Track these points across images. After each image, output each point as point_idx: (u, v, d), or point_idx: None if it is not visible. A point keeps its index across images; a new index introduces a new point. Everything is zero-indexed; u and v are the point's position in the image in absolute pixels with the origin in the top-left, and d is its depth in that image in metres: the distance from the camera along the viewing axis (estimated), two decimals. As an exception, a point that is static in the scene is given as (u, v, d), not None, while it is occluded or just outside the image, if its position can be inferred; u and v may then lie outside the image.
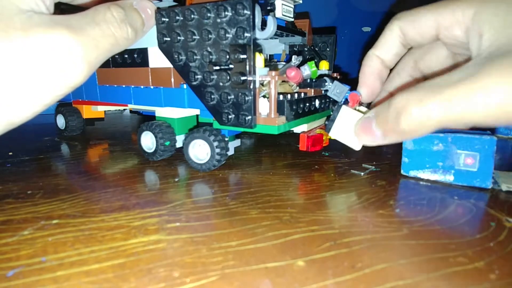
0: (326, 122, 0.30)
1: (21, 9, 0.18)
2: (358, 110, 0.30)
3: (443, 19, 0.20)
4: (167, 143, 0.32)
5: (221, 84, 0.26)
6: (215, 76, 0.26)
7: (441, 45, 0.23)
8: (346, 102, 0.28)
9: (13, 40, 0.17)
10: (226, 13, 0.24)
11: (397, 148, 0.40)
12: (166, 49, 0.28)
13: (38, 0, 0.19)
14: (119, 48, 0.22)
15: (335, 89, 0.30)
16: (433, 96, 0.16)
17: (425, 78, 0.24)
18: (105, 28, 0.21)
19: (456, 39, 0.20)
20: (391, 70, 0.27)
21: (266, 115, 0.27)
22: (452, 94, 0.16)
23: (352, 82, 0.32)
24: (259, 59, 0.25)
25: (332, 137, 0.29)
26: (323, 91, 0.33)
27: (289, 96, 0.28)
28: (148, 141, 0.32)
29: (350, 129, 0.29)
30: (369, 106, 0.32)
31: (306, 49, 0.39)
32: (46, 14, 0.19)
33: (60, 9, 0.24)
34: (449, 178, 0.26)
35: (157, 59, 0.30)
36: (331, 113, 0.30)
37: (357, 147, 0.28)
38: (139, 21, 0.24)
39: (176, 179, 0.28)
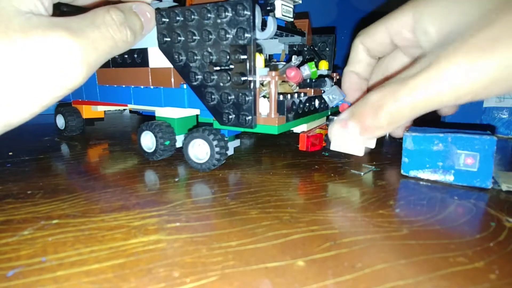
0: (325, 138, 0.31)
1: (20, 10, 0.18)
2: None
3: (392, 26, 0.23)
4: (167, 142, 0.32)
5: (221, 84, 0.26)
6: (215, 77, 0.26)
7: (401, 54, 0.26)
8: (338, 114, 0.29)
9: (13, 42, 0.17)
10: (226, 13, 0.24)
11: (397, 148, 0.40)
12: (166, 49, 0.28)
13: (36, 1, 0.19)
14: (118, 51, 0.22)
15: (332, 93, 0.30)
16: (402, 88, 0.18)
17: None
18: (104, 30, 0.21)
19: (408, 41, 0.23)
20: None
21: (266, 115, 0.27)
22: (415, 83, 0.18)
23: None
24: (259, 59, 0.25)
25: (334, 150, 0.29)
26: (322, 91, 0.33)
27: (289, 96, 0.28)
28: (148, 141, 0.32)
29: (350, 137, 0.29)
30: None
31: (305, 49, 0.39)
32: (45, 15, 0.19)
33: (61, 10, 0.24)
34: (449, 178, 0.26)
35: (157, 59, 0.30)
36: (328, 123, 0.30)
37: (359, 153, 0.28)
38: (138, 24, 0.24)
39: (176, 179, 0.28)
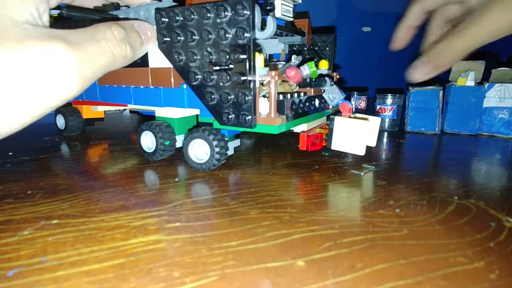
0: (326, 137, 0.31)
1: (15, 20, 0.18)
2: (354, 117, 0.30)
3: None
4: (167, 142, 0.32)
5: (221, 84, 0.26)
6: (215, 76, 0.26)
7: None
8: (338, 113, 0.29)
9: (7, 51, 0.17)
10: (226, 13, 0.24)
11: (396, 148, 0.40)
12: (166, 49, 0.28)
13: (32, 10, 0.19)
14: (117, 66, 0.22)
15: (331, 93, 0.30)
16: (462, 33, 0.24)
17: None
18: (104, 45, 0.21)
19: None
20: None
21: (266, 115, 0.27)
22: (469, 30, 0.24)
23: (350, 81, 0.32)
24: (259, 59, 0.25)
25: (335, 149, 0.29)
26: (323, 91, 0.33)
27: (289, 95, 0.28)
28: (148, 141, 0.32)
29: (351, 136, 0.29)
30: (363, 113, 0.32)
31: (305, 48, 0.39)
32: (42, 26, 0.19)
33: (62, 14, 0.24)
34: None
35: (157, 59, 0.30)
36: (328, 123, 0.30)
37: (361, 152, 0.28)
38: (139, 42, 0.24)
39: (176, 179, 0.28)
